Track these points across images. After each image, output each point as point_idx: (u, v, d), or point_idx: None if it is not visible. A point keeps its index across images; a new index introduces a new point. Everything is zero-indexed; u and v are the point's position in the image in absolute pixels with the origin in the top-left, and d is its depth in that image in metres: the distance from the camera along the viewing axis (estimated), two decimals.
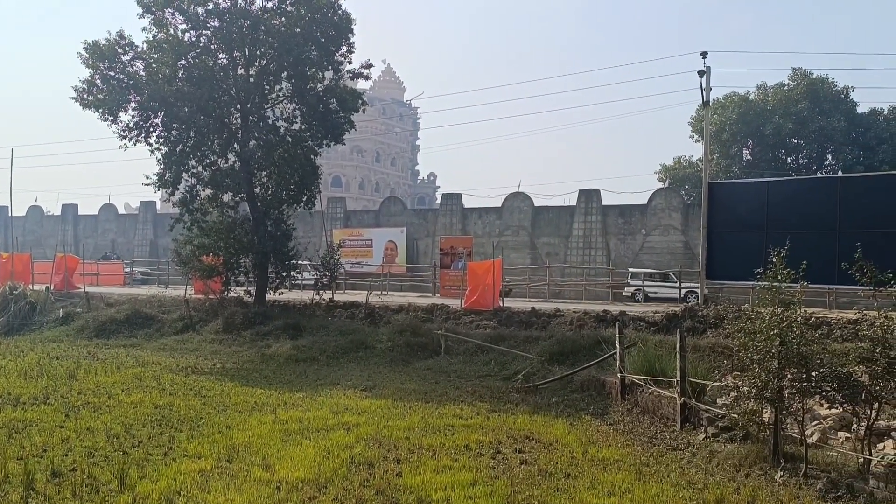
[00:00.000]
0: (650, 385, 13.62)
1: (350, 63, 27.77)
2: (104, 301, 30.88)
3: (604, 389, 15.53)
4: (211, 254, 26.96)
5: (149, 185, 26.33)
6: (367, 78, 28.09)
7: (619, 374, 14.74)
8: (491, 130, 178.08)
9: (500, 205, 46.34)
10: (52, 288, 33.46)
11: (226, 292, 27.77)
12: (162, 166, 25.99)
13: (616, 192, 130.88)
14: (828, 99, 48.40)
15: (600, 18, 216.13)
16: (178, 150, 25.83)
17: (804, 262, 10.60)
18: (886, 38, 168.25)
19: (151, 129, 25.79)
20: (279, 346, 22.19)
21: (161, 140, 25.97)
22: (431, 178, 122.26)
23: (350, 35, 26.75)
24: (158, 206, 60.95)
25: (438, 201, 57.11)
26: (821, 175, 45.18)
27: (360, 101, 27.45)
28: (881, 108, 49.42)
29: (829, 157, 50.02)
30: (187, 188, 26.56)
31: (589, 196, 43.54)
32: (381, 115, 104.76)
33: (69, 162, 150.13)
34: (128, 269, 46.07)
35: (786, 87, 49.96)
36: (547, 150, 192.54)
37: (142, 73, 25.25)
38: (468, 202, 47.72)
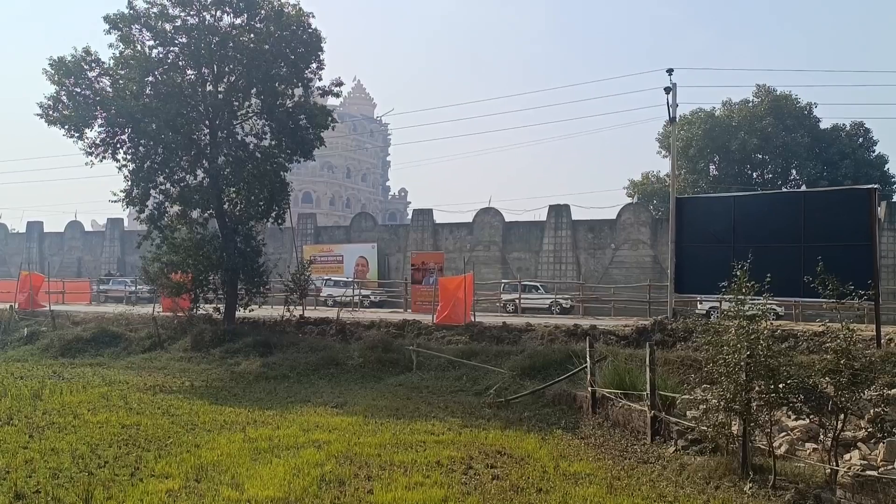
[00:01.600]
0: (621, 398, 13.68)
1: (320, 80, 27.71)
2: (70, 319, 30.41)
3: (575, 403, 15.57)
4: (180, 271, 26.67)
5: (116, 201, 25.92)
6: (337, 95, 28.08)
7: (589, 388, 14.80)
8: (461, 146, 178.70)
9: (471, 220, 46.46)
10: (16, 307, 32.86)
11: (195, 310, 27.45)
12: (129, 183, 25.66)
13: (586, 208, 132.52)
14: (792, 115, 49.32)
15: (568, 35, 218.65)
16: (145, 166, 25.53)
17: (768, 274, 10.75)
18: (847, 56, 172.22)
19: (118, 146, 25.46)
20: (249, 363, 22.00)
21: (128, 156, 25.65)
22: (402, 193, 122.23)
23: (320, 52, 26.71)
24: (126, 224, 60.22)
25: (409, 217, 57.08)
26: (785, 190, 45.92)
27: (330, 118, 27.39)
28: (843, 124, 50.59)
29: (794, 171, 50.90)
30: (155, 205, 26.26)
31: (559, 211, 43.83)
32: (351, 132, 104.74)
33: (34, 179, 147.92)
34: (131, 288, 44.38)
35: (750, 104, 50.83)
36: (517, 166, 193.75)
37: (108, 89, 24.98)
38: (439, 217, 47.87)
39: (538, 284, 38.51)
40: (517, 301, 35.34)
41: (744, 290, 10.59)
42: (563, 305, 36.22)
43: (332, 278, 42.91)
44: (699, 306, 32.22)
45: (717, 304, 32.39)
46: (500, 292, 37.80)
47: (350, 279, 42.41)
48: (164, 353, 24.70)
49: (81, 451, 11.54)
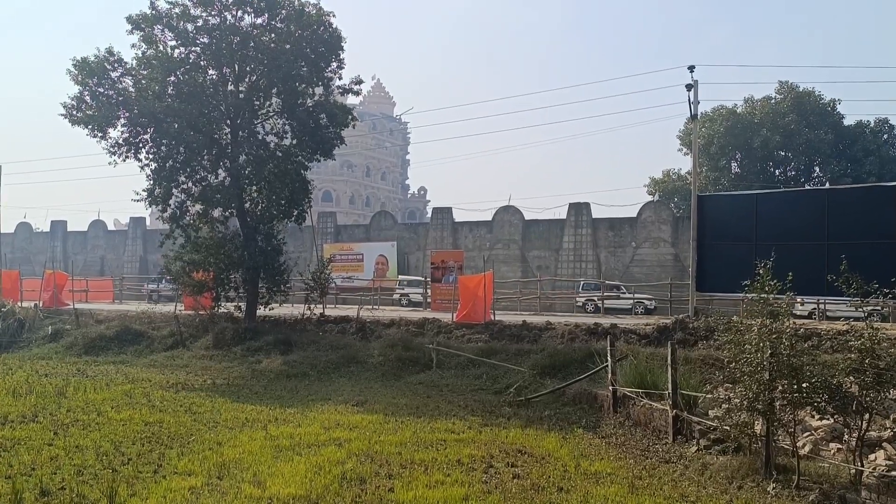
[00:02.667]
0: (642, 398, 13.62)
1: (340, 79, 27.77)
2: (93, 317, 30.71)
3: (595, 402, 15.52)
4: (201, 269, 26.85)
5: (138, 201, 26.19)
6: (357, 94, 28.17)
7: (610, 387, 14.74)
8: (481, 145, 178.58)
9: (490, 218, 46.43)
10: (40, 305, 33.25)
11: (216, 308, 27.64)
12: (151, 182, 25.89)
13: (606, 206, 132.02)
14: (814, 112, 48.81)
15: (586, 33, 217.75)
16: (167, 165, 25.75)
17: (790, 273, 10.66)
18: (871, 51, 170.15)
19: (141, 145, 25.71)
20: (270, 361, 22.11)
21: (150, 156, 25.89)
22: (422, 192, 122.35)
23: (340, 51, 26.79)
24: (148, 223, 60.75)
25: (429, 215, 57.15)
26: (808, 187, 45.47)
27: (349, 117, 27.46)
28: (867, 121, 49.92)
29: (817, 169, 50.38)
30: (177, 204, 26.46)
31: (579, 209, 43.67)
32: (371, 130, 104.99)
33: (58, 178, 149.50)
34: (152, 286, 44.59)
35: (773, 101, 50.34)
36: (537, 164, 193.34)
37: (131, 89, 25.21)
38: (458, 216, 47.83)
39: (620, 284, 37.67)
40: (597, 301, 34.71)
41: (766, 289, 10.51)
42: (647, 306, 34.67)
43: (407, 277, 42.31)
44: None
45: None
46: (575, 291, 37.40)
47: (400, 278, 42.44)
48: (186, 351, 24.88)
49: (105, 449, 11.66)
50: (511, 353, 20.47)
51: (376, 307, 34.05)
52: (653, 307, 34.54)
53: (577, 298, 36.45)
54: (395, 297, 39.88)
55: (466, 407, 15.73)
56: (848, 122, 49.83)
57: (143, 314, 30.20)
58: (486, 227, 46.39)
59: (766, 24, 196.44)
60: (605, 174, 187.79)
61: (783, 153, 50.26)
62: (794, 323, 10.76)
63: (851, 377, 9.52)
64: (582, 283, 38.33)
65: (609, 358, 15.00)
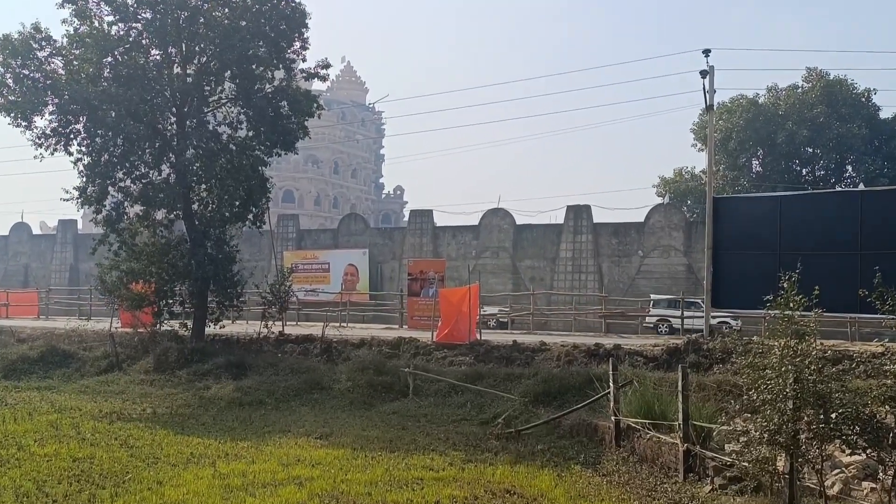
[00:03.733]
0: (649, 429, 13.66)
1: (304, 61, 27.81)
2: (14, 336, 30.41)
3: (596, 435, 15.54)
4: (141, 280, 26.69)
5: (68, 200, 26.04)
6: (323, 78, 28.12)
7: (613, 417, 14.78)
8: (467, 138, 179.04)
9: (476, 223, 46.48)
10: None
11: (158, 325, 27.47)
12: (84, 179, 25.73)
13: (609, 209, 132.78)
14: (847, 103, 49.22)
15: (589, 13, 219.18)
16: (102, 160, 25.61)
17: (817, 287, 10.72)
18: None
19: (72, 136, 25.55)
20: (220, 387, 21.99)
21: (83, 149, 25.74)
22: (398, 192, 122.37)
23: (304, 29, 26.80)
24: (80, 226, 60.33)
25: (406, 219, 57.13)
26: (840, 189, 45.88)
27: (315, 105, 27.46)
28: None
29: (850, 168, 50.84)
30: (114, 204, 26.32)
31: (578, 212, 43.84)
32: (339, 121, 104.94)
33: None
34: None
35: (799, 90, 50.77)
36: (530, 161, 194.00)
37: (61, 71, 25.07)
38: (440, 220, 47.89)
39: (700, 301, 36.97)
40: (671, 321, 34.21)
41: (791, 305, 10.57)
42: (734, 326, 32.29)
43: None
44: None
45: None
46: (645, 308, 37.05)
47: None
48: (122, 375, 24.67)
49: (27, 489, 11.54)
50: (499, 377, 20.46)
51: (344, 325, 33.97)
52: (738, 328, 31.28)
53: (648, 319, 35.68)
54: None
55: (447, 440, 15.72)
56: (885, 114, 50.38)
57: (73, 332, 29.92)
58: (471, 233, 46.45)
59: (790, 1, 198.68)
60: (608, 173, 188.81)
61: (811, 150, 50.69)
62: (822, 344, 10.84)
63: (887, 406, 9.59)
64: (652, 298, 37.67)
65: (611, 384, 15.05)
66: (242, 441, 15.45)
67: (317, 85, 43.18)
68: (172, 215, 27.40)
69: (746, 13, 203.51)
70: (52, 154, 25.56)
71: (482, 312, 32.29)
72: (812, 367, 9.87)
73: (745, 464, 10.84)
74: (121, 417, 18.35)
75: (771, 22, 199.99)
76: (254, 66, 26.20)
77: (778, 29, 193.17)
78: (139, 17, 25.58)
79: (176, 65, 26.46)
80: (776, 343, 10.44)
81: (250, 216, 27.55)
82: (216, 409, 19.71)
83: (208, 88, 26.72)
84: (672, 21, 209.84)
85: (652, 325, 35.28)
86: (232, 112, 27.80)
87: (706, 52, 24.08)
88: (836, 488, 10.96)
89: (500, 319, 37.06)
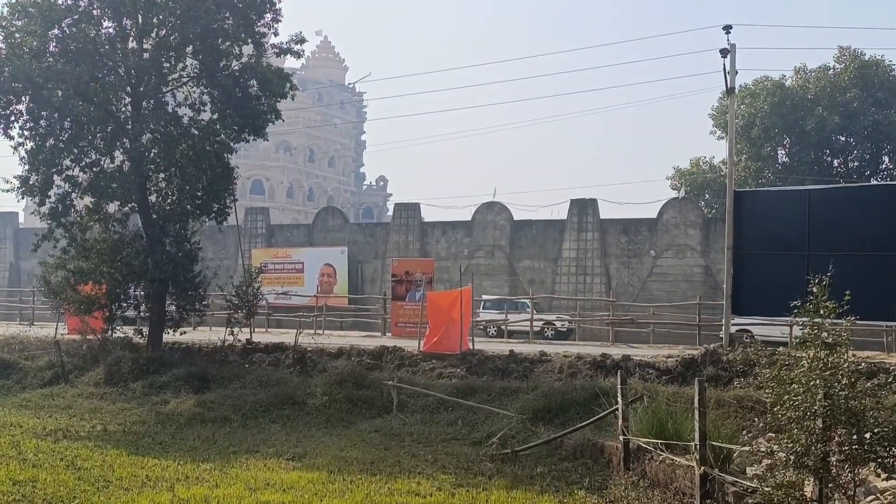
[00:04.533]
0: (661, 450, 13.67)
1: (276, 35, 27.79)
2: None
3: (602, 456, 15.56)
4: (91, 281, 26.61)
5: (9, 191, 25.94)
6: (297, 55, 28.06)
7: (621, 437, 14.78)
8: (458, 123, 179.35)
9: (469, 218, 46.55)
10: None
11: (110, 332, 27.40)
12: (26, 166, 25.64)
13: (618, 203, 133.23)
14: (884, 86, 49.38)
15: None
16: (47, 145, 25.51)
17: (848, 292, 10.75)
18: None
19: (13, 119, 25.45)
20: (179, 401, 21.92)
21: (25, 132, 25.63)
22: (381, 183, 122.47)
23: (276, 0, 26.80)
24: (21, 219, 60.16)
25: (390, 213, 57.12)
26: (876, 182, 46.03)
27: (288, 84, 27.41)
28: None
29: (886, 159, 51.04)
30: (60, 195, 26.23)
31: (583, 207, 43.93)
32: (315, 103, 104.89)
33: None
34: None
35: (831, 71, 50.91)
36: (529, 150, 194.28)
37: (0, 45, 24.97)
38: (429, 214, 48.03)
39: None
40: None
41: (822, 312, 10.59)
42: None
43: (489, 298, 41.31)
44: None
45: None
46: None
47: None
48: (69, 387, 24.57)
49: None
50: (494, 392, 20.49)
51: (320, 332, 33.93)
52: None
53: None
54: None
55: (435, 462, 15.71)
56: None
57: (13, 339, 29.85)
58: (463, 229, 46.49)
59: None
60: (616, 163, 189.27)
61: (843, 138, 50.88)
62: (855, 356, 10.87)
63: None
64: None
65: (619, 399, 15.05)
66: (205, 462, 15.39)
67: (290, 62, 43.34)
68: (127, 208, 27.31)
69: None
70: None
71: (475, 319, 32.51)
72: (844, 382, 9.89)
73: (769, 489, 10.86)
74: (67, 435, 18.24)
75: None
76: (219, 41, 26.11)
77: (807, 3, 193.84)
78: None
79: (131, 38, 26.37)
80: (804, 354, 10.46)
81: (214, 209, 27.48)
82: (175, 426, 19.61)
83: (167, 65, 26.63)
84: None
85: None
86: (194, 92, 27.74)
87: (727, 29, 24.10)
88: None
89: (560, 329, 36.75)
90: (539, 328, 36.32)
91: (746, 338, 30.04)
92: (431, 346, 24.96)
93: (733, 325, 26.29)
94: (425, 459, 15.93)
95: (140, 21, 26.10)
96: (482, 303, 38.93)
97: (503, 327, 35.44)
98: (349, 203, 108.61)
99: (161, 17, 26.06)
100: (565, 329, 37.24)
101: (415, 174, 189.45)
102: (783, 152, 52.70)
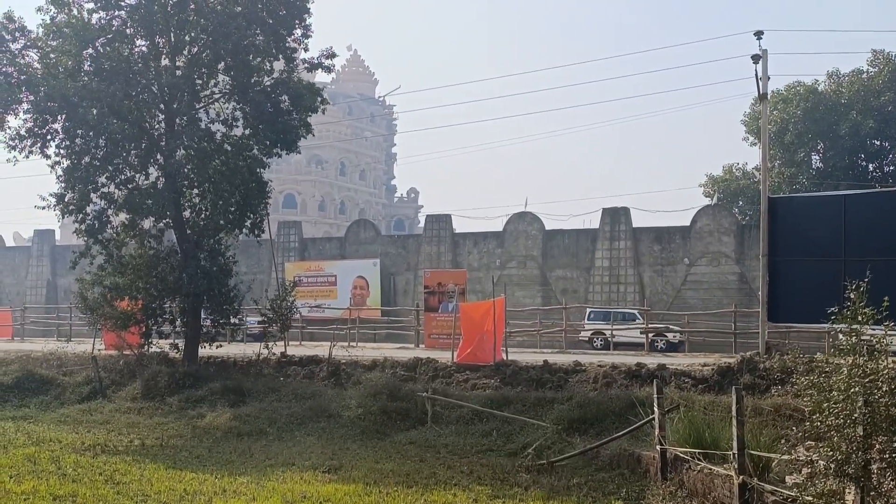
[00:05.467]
0: (699, 460, 13.58)
1: (306, 50, 27.97)
2: None
3: (639, 466, 15.47)
4: (127, 297, 26.81)
5: (45, 208, 26.25)
6: (328, 69, 28.25)
7: (658, 447, 14.69)
8: (488, 134, 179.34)
9: (500, 228, 46.49)
10: None
11: (146, 347, 27.60)
12: (63, 184, 25.92)
13: (651, 211, 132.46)
14: None
15: None
16: (83, 163, 25.78)
17: (886, 298, 10.63)
18: None
19: (49, 137, 25.74)
20: (216, 415, 22.03)
21: (62, 151, 25.91)
22: (412, 195, 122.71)
23: (306, 15, 26.97)
24: (58, 237, 60.87)
25: (421, 225, 57.18)
26: None
27: (319, 99, 27.56)
28: None
29: None
30: (96, 212, 26.47)
31: (615, 216, 43.74)
32: (346, 116, 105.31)
33: None
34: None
35: (864, 75, 50.44)
36: (561, 159, 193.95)
37: (37, 65, 25.29)
38: (460, 225, 48.09)
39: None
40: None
41: (860, 318, 10.48)
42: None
43: (594, 308, 40.10)
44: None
45: None
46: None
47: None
48: (106, 402, 24.80)
49: None
50: (529, 402, 20.44)
51: (354, 344, 34.00)
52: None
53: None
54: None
55: (471, 473, 15.69)
56: None
57: (52, 355, 30.08)
58: (495, 240, 46.44)
59: None
60: (648, 171, 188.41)
61: (878, 142, 50.36)
62: (895, 362, 10.74)
63: None
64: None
65: (656, 409, 14.96)
66: (241, 476, 15.47)
67: (320, 77, 43.63)
68: (162, 224, 27.49)
69: None
70: (28, 157, 25.77)
71: (582, 330, 33.18)
72: (884, 389, 9.78)
73: (809, 498, 10.76)
74: (105, 450, 18.42)
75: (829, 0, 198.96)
76: (250, 57, 26.31)
77: (839, 6, 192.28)
78: (122, 3, 25.76)
79: (164, 56, 26.62)
80: (843, 361, 10.35)
81: (248, 224, 27.63)
82: (212, 439, 19.74)
83: (200, 82, 26.87)
84: (719, 1, 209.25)
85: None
86: (227, 108, 27.94)
87: (758, 35, 23.96)
88: None
89: (672, 341, 35.29)
90: (643, 340, 34.68)
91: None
92: (465, 358, 24.92)
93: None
94: (461, 471, 15.92)
95: (172, 39, 26.34)
96: (587, 313, 38.29)
97: (610, 339, 34.70)
98: (381, 215, 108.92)
99: (193, 34, 26.29)
100: (677, 341, 35.40)
101: (446, 186, 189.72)
102: (817, 157, 52.25)
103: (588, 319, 37.80)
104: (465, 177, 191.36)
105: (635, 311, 37.18)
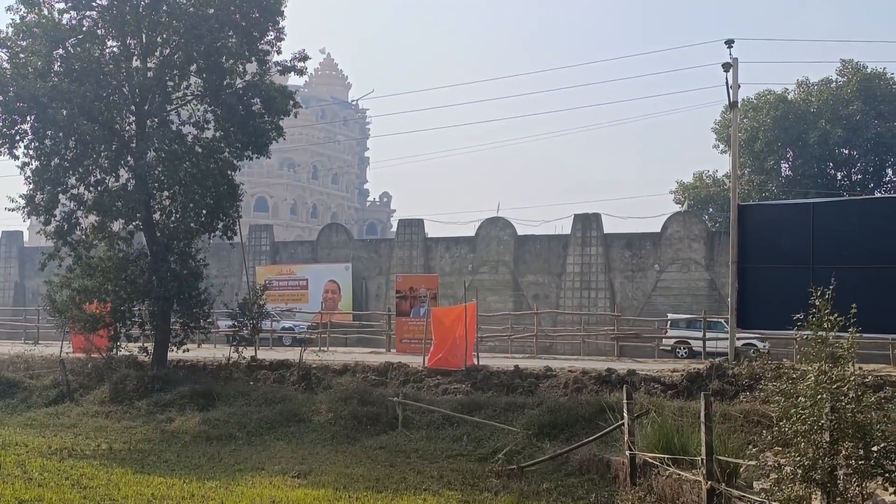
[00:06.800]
0: (668, 465, 13.63)
1: (279, 53, 27.87)
2: None
3: (608, 471, 15.53)
4: (96, 300, 26.63)
5: (14, 210, 25.99)
6: (301, 72, 28.19)
7: (627, 452, 14.75)
8: (461, 139, 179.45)
9: (473, 233, 46.57)
10: None
11: (114, 350, 27.41)
12: (32, 185, 25.71)
13: (621, 218, 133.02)
14: (887, 99, 49.45)
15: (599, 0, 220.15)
16: (53, 164, 25.56)
17: (854, 305, 10.75)
18: None
19: (18, 138, 25.46)
20: (185, 419, 21.94)
21: (31, 151, 25.65)
22: (385, 199, 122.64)
23: (279, 17, 26.89)
24: (26, 238, 60.36)
25: (394, 229, 57.16)
26: (880, 195, 45.97)
27: (291, 102, 27.49)
28: None
29: (890, 171, 51.08)
30: (65, 214, 26.26)
31: (587, 222, 43.93)
32: (319, 120, 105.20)
33: None
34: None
35: (833, 84, 51.01)
36: (533, 165, 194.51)
37: (6, 65, 25.04)
38: (432, 230, 48.17)
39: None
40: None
41: (826, 325, 10.59)
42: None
43: (678, 317, 38.02)
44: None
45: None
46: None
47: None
48: (74, 406, 24.63)
49: None
50: (500, 407, 20.45)
51: (325, 348, 33.91)
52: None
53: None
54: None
55: (441, 478, 15.69)
56: None
57: (19, 358, 29.86)
58: (467, 245, 46.50)
59: None
60: (620, 178, 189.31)
61: (847, 151, 50.91)
62: (861, 369, 10.86)
63: None
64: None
65: (625, 414, 15.03)
66: (210, 480, 15.39)
67: (293, 80, 43.47)
68: (132, 226, 27.30)
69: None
70: None
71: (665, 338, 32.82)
72: (850, 395, 9.88)
73: (777, 503, 10.84)
74: (72, 454, 18.26)
75: (801, 9, 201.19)
76: (223, 59, 26.20)
77: (809, 17, 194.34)
78: (94, 4, 25.60)
79: (135, 57, 26.46)
80: (811, 368, 10.45)
81: (219, 227, 27.52)
82: (180, 444, 19.64)
83: (172, 84, 26.75)
84: (691, 9, 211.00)
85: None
86: (198, 110, 27.80)
87: (729, 43, 24.15)
88: None
89: (763, 351, 30.80)
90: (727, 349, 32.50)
91: (752, 351, 30.04)
92: (436, 362, 24.92)
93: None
94: (431, 476, 15.92)
95: (144, 40, 26.20)
96: (667, 322, 37.29)
97: (695, 348, 33.51)
98: (353, 219, 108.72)
99: (165, 35, 26.18)
100: (767, 351, 31.54)
101: (418, 190, 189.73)
102: (786, 165, 52.81)
103: (670, 327, 36.81)
104: (438, 181, 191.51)
105: (721, 320, 35.39)
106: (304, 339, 39.73)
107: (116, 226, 27.46)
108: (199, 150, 26.84)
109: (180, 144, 26.56)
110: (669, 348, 35.38)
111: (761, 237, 23.32)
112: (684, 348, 34.65)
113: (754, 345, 31.75)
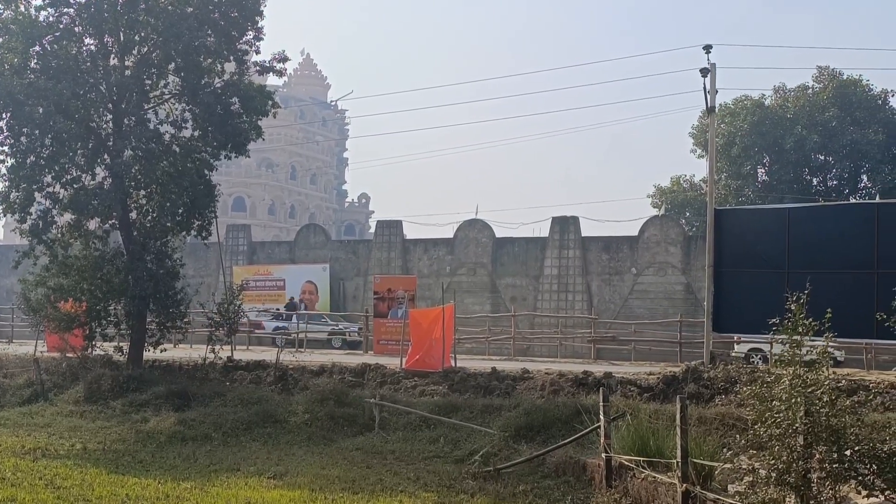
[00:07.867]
0: (643, 468, 13.68)
1: (258, 53, 27.78)
2: None
3: (584, 474, 15.58)
4: (71, 298, 26.47)
5: None
6: (280, 73, 28.15)
7: (603, 454, 14.79)
8: (440, 141, 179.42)
9: (451, 235, 46.52)
10: None
11: (89, 349, 27.24)
12: (7, 183, 25.55)
13: (599, 221, 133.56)
14: (862, 106, 49.81)
15: (577, 3, 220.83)
16: (28, 161, 25.40)
17: (829, 309, 10.83)
18: None
19: None
20: (160, 419, 21.84)
21: (6, 149, 25.52)
22: (363, 200, 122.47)
23: (258, 17, 26.84)
24: (1, 236, 59.78)
25: (372, 230, 57.05)
26: (855, 201, 46.31)
27: (270, 102, 27.44)
28: None
29: (865, 177, 51.39)
30: (41, 212, 26.11)
31: (565, 225, 43.97)
32: (297, 120, 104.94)
33: None
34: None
35: (810, 91, 51.36)
36: (511, 168, 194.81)
37: None
38: (411, 232, 48.02)
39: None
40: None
41: (800, 329, 10.66)
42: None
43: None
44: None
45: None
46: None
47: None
48: (48, 405, 24.46)
49: None
50: (477, 409, 20.49)
51: (302, 349, 33.81)
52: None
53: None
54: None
55: (417, 480, 15.70)
56: None
57: None
58: (445, 247, 46.45)
59: None
60: (598, 181, 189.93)
61: (823, 157, 51.26)
62: (835, 373, 10.94)
63: None
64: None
65: (602, 416, 15.07)
66: (185, 481, 15.32)
67: (272, 80, 43.30)
68: (108, 225, 27.16)
69: (751, 5, 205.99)
70: None
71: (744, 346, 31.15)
72: (824, 399, 9.95)
73: None
74: (46, 454, 18.14)
75: (778, 16, 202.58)
76: (201, 58, 26.14)
77: (786, 24, 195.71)
78: (71, 1, 25.47)
79: (113, 55, 26.33)
80: (785, 371, 10.52)
81: (195, 226, 27.42)
82: (155, 444, 19.53)
83: (149, 82, 26.65)
84: (669, 15, 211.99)
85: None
86: (176, 109, 27.69)
87: (707, 49, 24.30)
88: None
89: (839, 360, 29.30)
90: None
91: (760, 357, 29.96)
92: (414, 364, 24.93)
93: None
94: (407, 477, 15.92)
95: (122, 38, 26.07)
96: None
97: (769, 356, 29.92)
98: (331, 220, 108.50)
99: (143, 34, 26.05)
100: (843, 359, 30.41)
101: (397, 192, 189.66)
102: (763, 171, 53.10)
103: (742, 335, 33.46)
104: (417, 183, 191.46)
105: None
106: (353, 341, 40.05)
107: (92, 224, 27.30)
108: (177, 149, 26.73)
109: (157, 143, 26.43)
110: (743, 355, 31.34)
111: (737, 242, 23.46)
112: (758, 356, 30.87)
113: (761, 349, 31.35)
